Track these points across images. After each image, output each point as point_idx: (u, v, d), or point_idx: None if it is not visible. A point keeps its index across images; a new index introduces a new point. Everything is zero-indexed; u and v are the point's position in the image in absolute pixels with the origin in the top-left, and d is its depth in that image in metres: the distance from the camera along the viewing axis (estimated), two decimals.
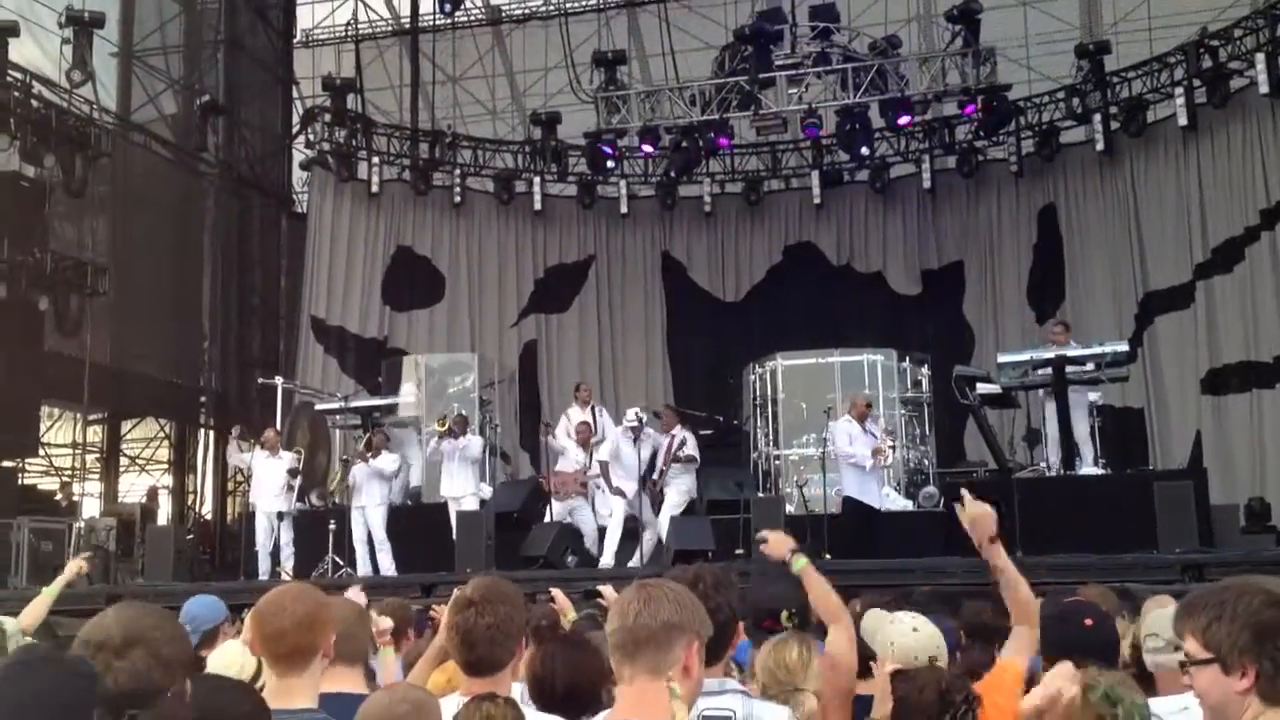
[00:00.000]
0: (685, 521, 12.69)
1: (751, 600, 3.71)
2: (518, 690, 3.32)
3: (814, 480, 13.16)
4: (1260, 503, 14.28)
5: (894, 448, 12.92)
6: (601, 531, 13.07)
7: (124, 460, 19.15)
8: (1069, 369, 12.58)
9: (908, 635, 3.68)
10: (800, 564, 3.74)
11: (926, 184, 19.90)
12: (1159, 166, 17.97)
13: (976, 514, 3.55)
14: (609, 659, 3.72)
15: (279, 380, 16.53)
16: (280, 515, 13.56)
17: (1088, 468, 12.66)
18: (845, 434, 12.31)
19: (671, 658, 2.50)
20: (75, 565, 6.37)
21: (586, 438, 13.42)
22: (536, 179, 20.76)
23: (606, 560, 12.66)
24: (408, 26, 22.95)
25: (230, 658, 3.98)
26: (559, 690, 3.39)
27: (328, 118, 19.80)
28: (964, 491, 3.63)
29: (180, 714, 2.46)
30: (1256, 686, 2.24)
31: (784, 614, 3.43)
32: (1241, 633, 2.23)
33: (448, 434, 13.44)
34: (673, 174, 19.83)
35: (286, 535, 13.60)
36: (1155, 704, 3.18)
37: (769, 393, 15.35)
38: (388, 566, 13.26)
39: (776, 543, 3.82)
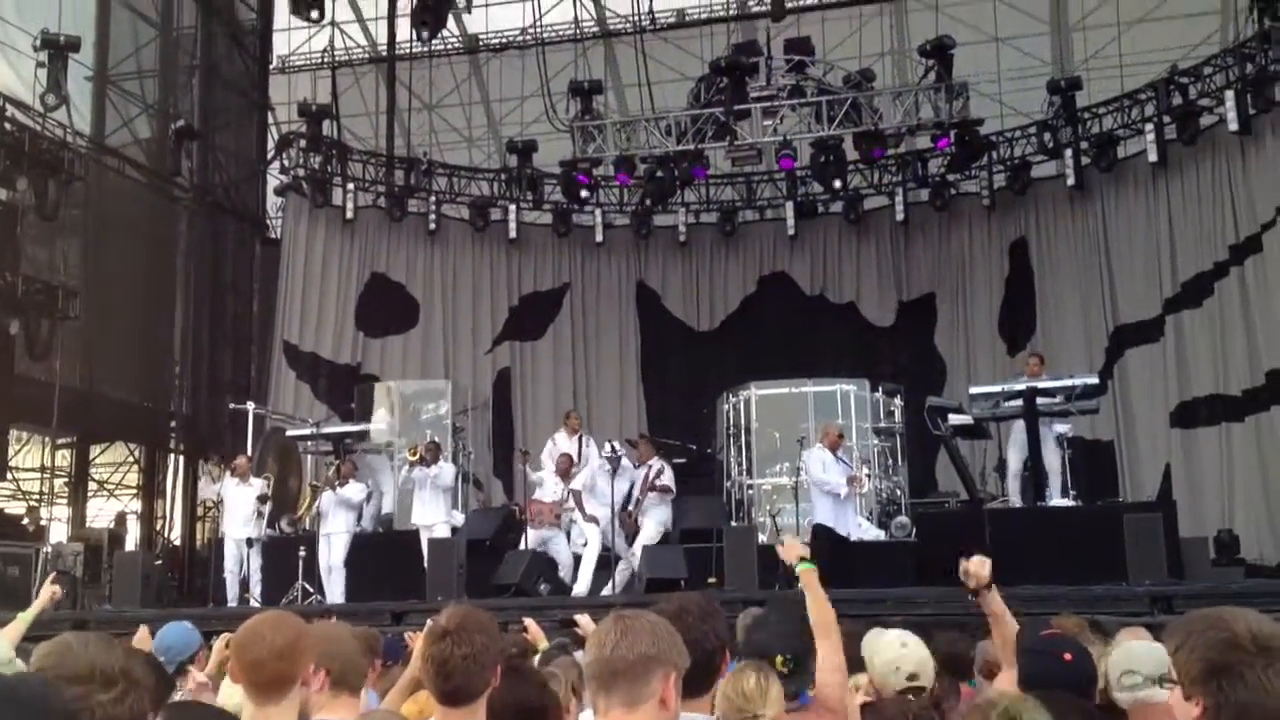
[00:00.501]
0: (659, 550, 12.70)
1: (746, 643, 3.70)
2: None
3: (787, 509, 13.17)
4: (1229, 535, 14.38)
5: (870, 475, 12.94)
6: (576, 560, 13.04)
7: (92, 485, 18.97)
8: (1039, 401, 12.68)
9: (894, 648, 3.74)
10: (804, 568, 4.01)
11: (899, 216, 20.02)
12: (1129, 201, 18.16)
13: (972, 566, 3.93)
14: (560, 689, 3.73)
15: (250, 405, 16.46)
16: (250, 542, 13.47)
17: (1056, 499, 12.74)
18: (819, 461, 12.32)
19: (648, 690, 2.49)
20: (49, 592, 6.28)
21: (567, 468, 13.35)
22: (512, 207, 20.78)
23: (581, 588, 12.63)
24: (384, 54, 23.02)
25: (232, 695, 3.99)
26: None
27: (303, 143, 19.78)
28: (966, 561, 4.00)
29: None
30: (1206, 718, 2.29)
31: (779, 659, 3.41)
32: (1196, 665, 2.29)
33: (419, 462, 13.41)
34: (648, 203, 19.89)
35: (255, 562, 13.51)
36: None
37: (742, 422, 15.35)
38: (337, 594, 13.19)
39: (790, 549, 4.14)
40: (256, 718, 3.05)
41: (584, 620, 4.96)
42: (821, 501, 12.34)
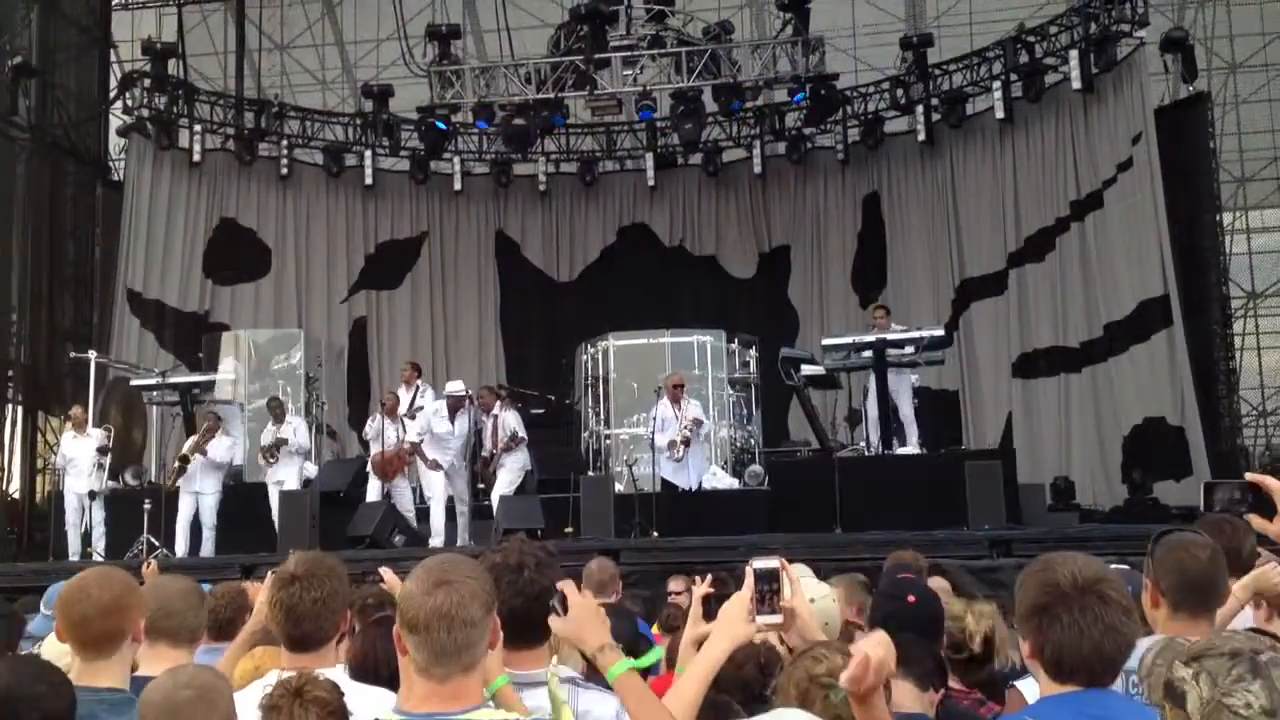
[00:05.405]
0: (515, 500, 12.73)
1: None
2: (340, 669, 3.27)
3: (643, 459, 13.28)
4: (1065, 482, 15.01)
5: (693, 436, 12.87)
6: (421, 512, 13.07)
7: None
8: (889, 352, 12.99)
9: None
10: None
11: (757, 169, 20.20)
12: (977, 157, 18.62)
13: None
14: None
15: (92, 355, 15.88)
16: (92, 494, 13.07)
17: (912, 447, 13.09)
18: (660, 418, 12.66)
19: (480, 651, 2.42)
20: None
21: (393, 405, 13.30)
22: (368, 152, 20.34)
23: (436, 540, 12.62)
24: None
25: (58, 649, 3.87)
26: (384, 672, 3.37)
27: (147, 83, 19.04)
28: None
29: None
30: (1032, 655, 2.44)
31: None
32: (1024, 605, 2.44)
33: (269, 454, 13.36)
34: (508, 146, 19.62)
35: (98, 515, 13.13)
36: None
37: (600, 372, 15.43)
38: (208, 551, 12.98)
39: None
40: (85, 673, 2.98)
41: (388, 574, 4.75)
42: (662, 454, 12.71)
